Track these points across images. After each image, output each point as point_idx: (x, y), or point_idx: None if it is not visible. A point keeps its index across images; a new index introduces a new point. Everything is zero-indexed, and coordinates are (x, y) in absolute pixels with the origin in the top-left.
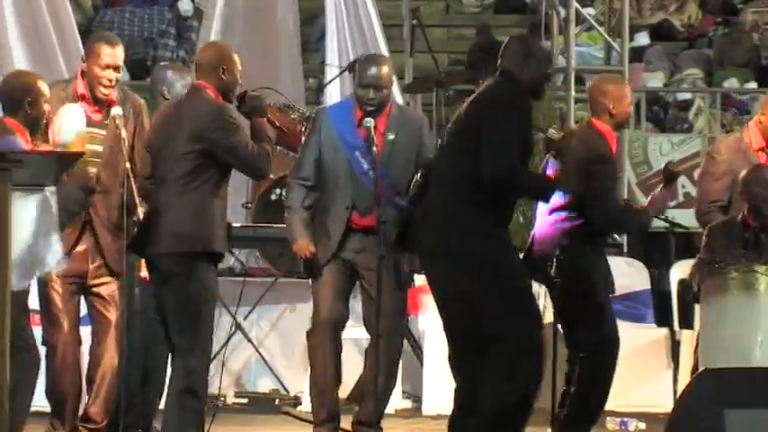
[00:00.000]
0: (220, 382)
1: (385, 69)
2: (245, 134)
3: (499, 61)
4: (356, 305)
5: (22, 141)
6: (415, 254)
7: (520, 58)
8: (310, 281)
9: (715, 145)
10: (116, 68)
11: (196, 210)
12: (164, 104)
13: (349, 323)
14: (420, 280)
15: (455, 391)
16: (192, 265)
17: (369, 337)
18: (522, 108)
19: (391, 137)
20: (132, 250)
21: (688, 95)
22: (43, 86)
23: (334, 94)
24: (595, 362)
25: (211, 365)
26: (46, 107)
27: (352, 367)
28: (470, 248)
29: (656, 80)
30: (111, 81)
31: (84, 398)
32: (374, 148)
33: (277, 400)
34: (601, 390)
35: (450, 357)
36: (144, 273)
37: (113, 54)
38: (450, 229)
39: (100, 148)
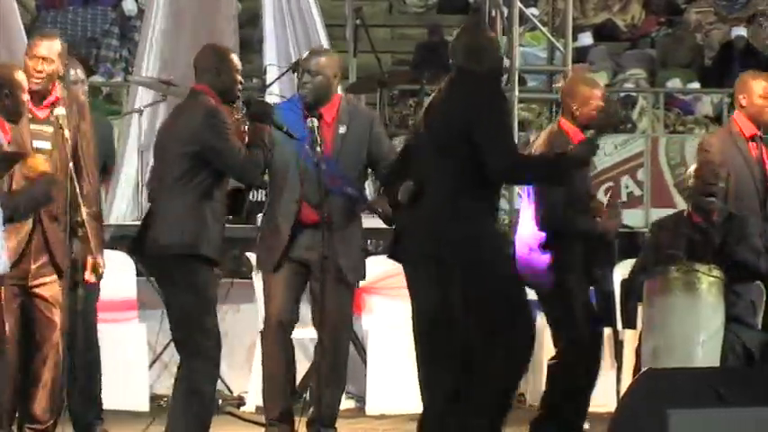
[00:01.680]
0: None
1: (323, 58)
2: (235, 139)
3: (452, 59)
4: (301, 306)
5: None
6: (406, 261)
7: (473, 52)
8: (257, 281)
9: (704, 139)
10: (46, 60)
11: (186, 213)
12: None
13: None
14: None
15: (431, 390)
16: (183, 267)
17: (314, 337)
18: (501, 98)
19: (342, 130)
20: (131, 251)
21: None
22: (21, 77)
23: (275, 93)
24: (561, 364)
25: (155, 365)
26: (25, 97)
27: (300, 366)
28: (476, 252)
29: (599, 80)
30: (40, 72)
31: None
32: (318, 148)
33: (220, 401)
34: (570, 390)
35: (433, 358)
36: (89, 276)
37: (44, 46)
38: (451, 234)
39: (48, 145)
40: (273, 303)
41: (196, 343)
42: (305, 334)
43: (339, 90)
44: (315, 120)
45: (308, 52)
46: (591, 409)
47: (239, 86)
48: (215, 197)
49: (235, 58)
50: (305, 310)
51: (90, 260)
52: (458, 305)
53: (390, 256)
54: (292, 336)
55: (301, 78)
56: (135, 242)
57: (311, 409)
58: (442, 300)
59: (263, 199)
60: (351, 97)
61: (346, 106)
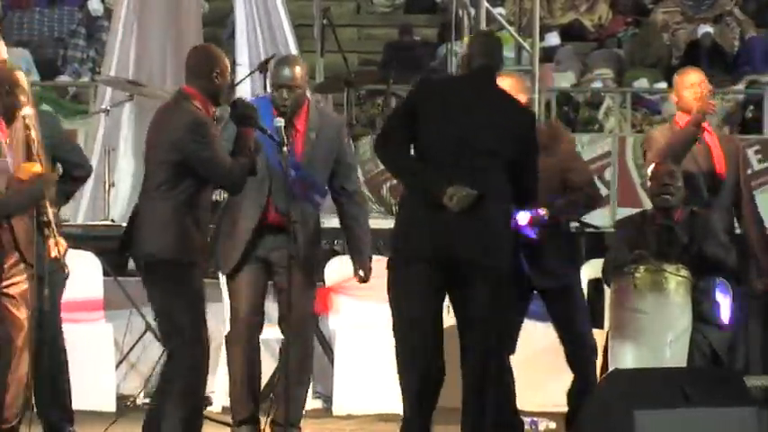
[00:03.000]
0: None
1: (298, 70)
2: (221, 147)
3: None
4: (267, 306)
5: None
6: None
7: (495, 51)
8: (222, 281)
9: (648, 134)
10: None
11: (167, 219)
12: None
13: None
14: (330, 280)
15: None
16: (163, 272)
17: (279, 337)
18: None
19: (312, 136)
20: (120, 248)
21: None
22: (21, 77)
23: (244, 93)
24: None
25: (122, 365)
26: (22, 98)
27: (267, 366)
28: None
29: (566, 80)
30: None
31: None
32: (285, 148)
33: None
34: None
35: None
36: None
37: None
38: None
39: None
40: (239, 306)
41: (176, 345)
42: (271, 334)
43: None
44: (281, 120)
45: (279, 62)
46: (557, 408)
47: (227, 89)
48: (199, 204)
49: (225, 60)
50: (271, 310)
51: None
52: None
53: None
54: (264, 337)
55: (276, 91)
56: (123, 241)
57: (275, 409)
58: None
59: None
60: (319, 100)
61: (315, 111)
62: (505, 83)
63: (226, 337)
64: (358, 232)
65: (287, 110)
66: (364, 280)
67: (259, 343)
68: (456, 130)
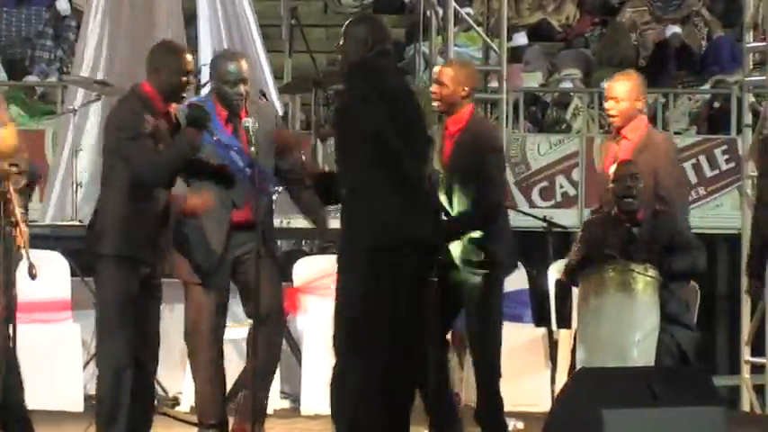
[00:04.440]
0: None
1: (243, 62)
2: (145, 144)
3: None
4: (233, 305)
5: None
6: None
7: None
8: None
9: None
10: None
11: (107, 213)
12: None
13: (227, 323)
14: (298, 280)
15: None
16: (102, 267)
17: (245, 336)
18: None
19: (255, 126)
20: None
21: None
22: None
23: None
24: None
25: (90, 366)
26: None
27: (233, 366)
28: None
29: (534, 80)
30: None
31: None
32: (253, 148)
33: (156, 401)
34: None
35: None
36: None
37: None
38: None
39: None
40: (205, 309)
41: (99, 346)
42: (237, 334)
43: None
44: (250, 119)
45: (224, 58)
46: (525, 408)
47: (186, 86)
48: (141, 197)
49: (184, 57)
50: (236, 310)
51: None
52: None
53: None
54: (225, 336)
55: (228, 86)
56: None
57: (240, 405)
58: None
59: None
60: (280, 104)
61: (252, 104)
62: (446, 73)
63: (186, 341)
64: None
65: (240, 104)
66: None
67: (223, 344)
68: None
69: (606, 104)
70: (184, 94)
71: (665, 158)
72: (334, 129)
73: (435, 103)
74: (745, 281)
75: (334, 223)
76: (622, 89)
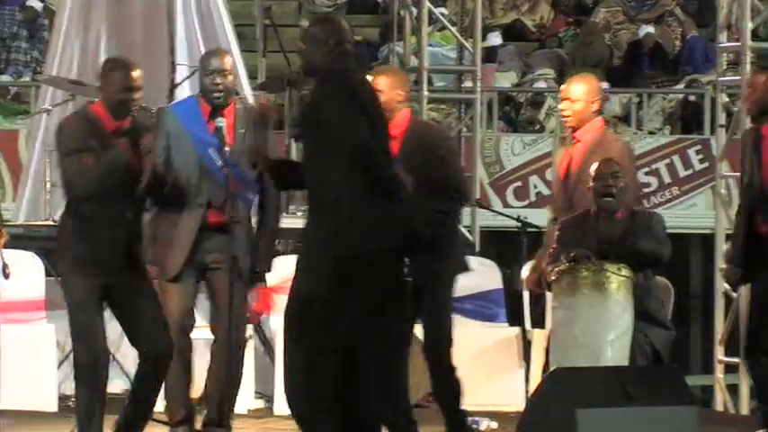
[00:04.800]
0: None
1: (227, 58)
2: (76, 159)
3: None
4: (207, 305)
5: None
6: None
7: None
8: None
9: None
10: None
11: (64, 217)
12: None
13: (202, 323)
14: (271, 280)
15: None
16: (60, 269)
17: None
18: None
19: (242, 131)
20: None
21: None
22: None
23: (185, 94)
24: None
25: (64, 365)
26: None
27: (205, 367)
28: None
29: (507, 80)
30: None
31: None
32: (226, 149)
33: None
34: None
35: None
36: None
37: None
38: None
39: None
40: (172, 307)
41: (73, 346)
42: (208, 334)
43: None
44: (223, 119)
45: (207, 53)
46: (499, 408)
47: (130, 102)
48: (84, 212)
49: (127, 73)
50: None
51: None
52: None
53: None
54: (197, 337)
55: (208, 79)
56: None
57: (207, 409)
58: None
59: None
60: (242, 96)
61: (241, 107)
62: (381, 80)
63: None
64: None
65: (221, 96)
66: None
67: (191, 344)
68: None
69: (561, 105)
70: (133, 109)
71: (617, 156)
72: (309, 137)
73: None
74: (719, 281)
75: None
76: (578, 90)
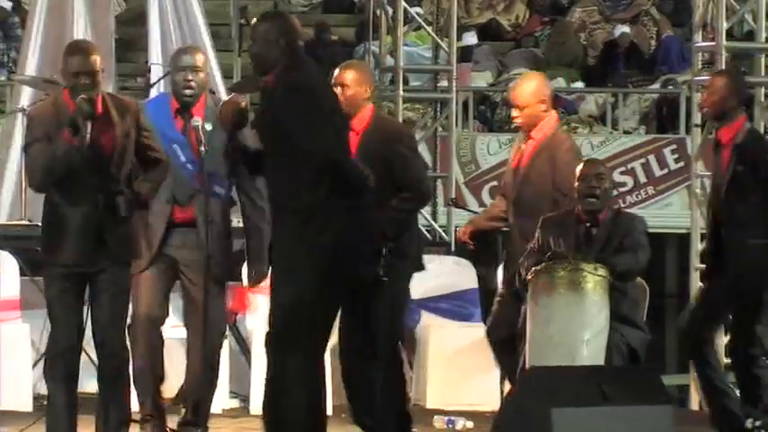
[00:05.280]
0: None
1: (200, 55)
2: (36, 147)
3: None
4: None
5: None
6: None
7: None
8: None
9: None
10: None
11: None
12: None
13: (176, 322)
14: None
15: None
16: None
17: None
18: None
19: (209, 127)
20: None
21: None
22: None
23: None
24: None
25: (39, 365)
26: None
27: (181, 367)
28: None
29: (483, 79)
30: None
31: None
32: (202, 148)
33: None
34: None
35: None
36: None
37: None
38: None
39: None
40: (142, 300)
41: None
42: (184, 334)
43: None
44: (198, 118)
45: (179, 50)
46: (475, 407)
47: (80, 86)
48: (54, 201)
49: (74, 57)
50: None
51: None
52: None
53: None
54: (172, 336)
55: (180, 75)
56: None
57: (184, 410)
58: None
59: None
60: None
61: (210, 102)
62: (348, 75)
63: (128, 333)
64: (255, 240)
65: (192, 93)
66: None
67: (162, 339)
68: None
69: (512, 113)
70: (83, 94)
71: (563, 156)
72: (273, 144)
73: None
74: (694, 280)
75: None
76: (523, 97)
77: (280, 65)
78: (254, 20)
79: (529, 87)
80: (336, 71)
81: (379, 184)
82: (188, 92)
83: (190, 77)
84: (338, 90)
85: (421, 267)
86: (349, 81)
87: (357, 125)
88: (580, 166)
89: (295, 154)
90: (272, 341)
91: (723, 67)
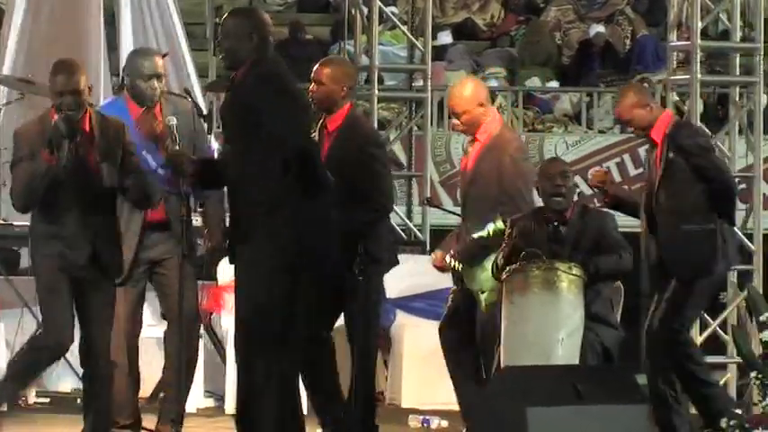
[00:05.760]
0: None
1: (159, 59)
2: (17, 171)
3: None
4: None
5: None
6: None
7: None
8: None
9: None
10: None
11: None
12: None
13: (152, 322)
14: (223, 279)
15: None
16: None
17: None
18: None
19: (173, 123)
20: None
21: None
22: None
23: None
24: None
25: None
26: None
27: (156, 366)
28: None
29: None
30: None
31: None
32: (177, 146)
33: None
34: None
35: None
36: None
37: None
38: None
39: None
40: (119, 312)
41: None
42: (161, 332)
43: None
44: (174, 118)
45: (140, 54)
46: (449, 406)
47: (63, 106)
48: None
49: (57, 77)
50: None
51: None
52: None
53: None
54: (148, 336)
55: (146, 83)
56: None
57: (160, 408)
58: None
59: None
60: (204, 102)
61: (169, 101)
62: (324, 72)
63: None
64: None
65: (156, 100)
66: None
67: (138, 350)
68: None
69: (453, 120)
70: (64, 114)
71: (509, 157)
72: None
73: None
74: None
75: None
76: (459, 105)
77: (250, 59)
78: (225, 15)
79: (464, 92)
80: (315, 66)
81: (345, 185)
82: (154, 99)
83: (156, 86)
84: (313, 86)
85: (395, 263)
86: (324, 78)
87: (331, 124)
88: (543, 165)
89: (263, 143)
90: (242, 342)
91: (698, 66)
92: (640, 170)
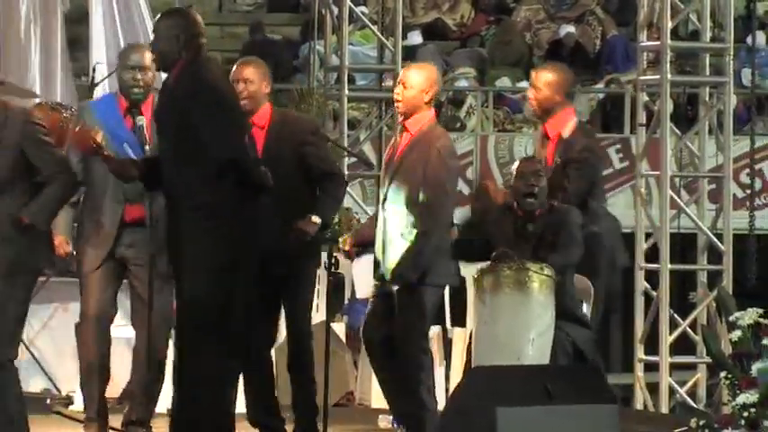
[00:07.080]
0: None
1: (147, 54)
2: None
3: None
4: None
5: None
6: None
7: None
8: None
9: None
10: None
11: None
12: None
13: (123, 322)
14: None
15: None
16: None
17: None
18: None
19: (142, 123)
20: None
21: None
22: None
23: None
24: None
25: None
26: None
27: (126, 366)
28: None
29: None
30: None
31: None
32: (147, 147)
33: (49, 400)
34: None
35: None
36: None
37: None
38: None
39: None
40: (91, 298)
41: None
42: (130, 333)
43: None
44: (143, 118)
45: (128, 48)
46: None
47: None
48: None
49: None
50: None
51: None
52: None
53: None
54: (118, 336)
55: (128, 74)
56: None
57: (129, 408)
58: None
59: None
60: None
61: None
62: (249, 70)
63: (75, 328)
64: None
65: (141, 93)
66: None
67: (110, 337)
68: None
69: (395, 89)
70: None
71: (436, 154)
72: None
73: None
74: (639, 279)
75: None
76: (413, 78)
77: (182, 61)
78: (157, 17)
79: (421, 73)
80: (235, 67)
81: (289, 180)
82: (136, 90)
83: (138, 77)
84: (241, 86)
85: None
86: (252, 76)
87: (259, 121)
88: (517, 164)
89: (198, 150)
90: (181, 341)
91: (668, 66)
92: (610, 170)
